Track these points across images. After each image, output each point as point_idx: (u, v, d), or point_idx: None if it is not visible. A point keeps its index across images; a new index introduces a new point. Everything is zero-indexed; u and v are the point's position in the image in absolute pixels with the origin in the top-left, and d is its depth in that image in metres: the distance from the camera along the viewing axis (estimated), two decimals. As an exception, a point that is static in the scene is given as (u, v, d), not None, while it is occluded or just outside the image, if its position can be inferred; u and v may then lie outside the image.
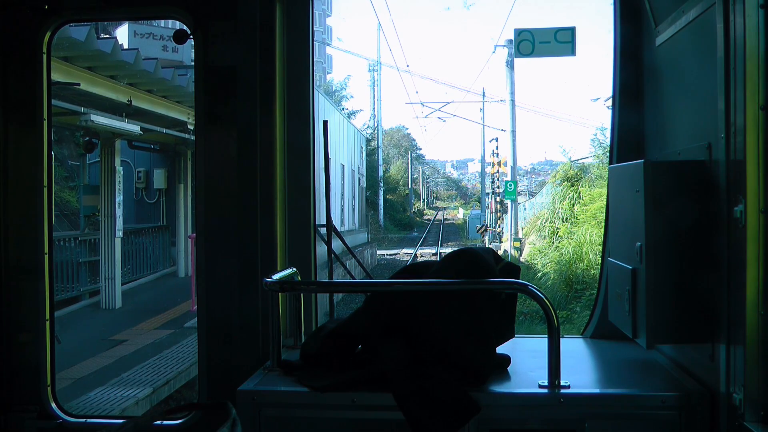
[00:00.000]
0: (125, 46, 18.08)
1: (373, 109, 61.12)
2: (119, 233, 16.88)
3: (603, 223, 4.88)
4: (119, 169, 17.00)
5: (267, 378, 3.26)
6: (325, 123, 4.43)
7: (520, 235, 32.22)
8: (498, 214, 40.57)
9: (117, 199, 16.70)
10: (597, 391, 3.13)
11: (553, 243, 24.92)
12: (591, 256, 20.36)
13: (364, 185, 47.25)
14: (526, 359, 3.43)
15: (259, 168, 3.70)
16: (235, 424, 2.33)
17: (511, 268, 3.41)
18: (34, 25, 3.74)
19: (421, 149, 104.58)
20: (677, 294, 2.96)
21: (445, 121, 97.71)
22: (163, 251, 21.63)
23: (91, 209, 17.47)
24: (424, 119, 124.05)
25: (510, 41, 29.55)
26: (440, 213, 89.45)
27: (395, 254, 40.51)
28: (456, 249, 3.53)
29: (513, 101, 31.47)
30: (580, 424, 2.93)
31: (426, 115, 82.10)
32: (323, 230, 4.12)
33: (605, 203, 4.14)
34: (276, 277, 3.40)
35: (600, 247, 11.80)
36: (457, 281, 3.19)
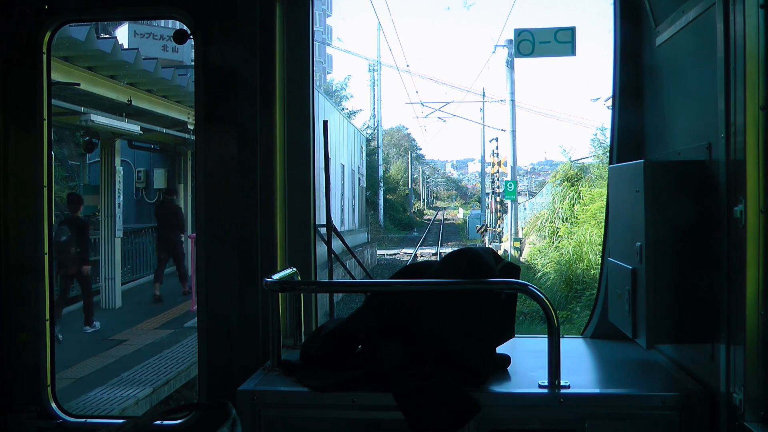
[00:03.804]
0: (125, 46, 18.07)
1: (373, 109, 61.11)
2: (119, 233, 16.87)
3: (603, 223, 4.88)
4: (119, 169, 17.00)
5: (267, 378, 3.26)
6: (325, 123, 4.43)
7: (520, 235, 32.22)
8: (498, 214, 40.56)
9: (117, 199, 16.70)
10: (597, 391, 3.13)
11: (553, 243, 24.93)
12: (591, 256, 20.36)
13: (364, 185, 47.24)
14: (526, 359, 3.43)
15: (259, 168, 3.70)
16: (235, 424, 2.34)
17: (511, 268, 3.42)
18: (34, 25, 3.74)
19: (421, 149, 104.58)
20: (677, 294, 2.96)
21: (445, 121, 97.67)
22: (163, 251, 21.58)
23: (91, 209, 17.47)
24: (424, 119, 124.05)
25: (510, 41, 29.55)
26: (440, 213, 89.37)
27: (395, 254, 40.50)
28: (456, 249, 3.53)
29: (513, 101, 31.47)
30: (580, 424, 2.93)
31: (426, 115, 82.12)
32: (323, 230, 4.12)
33: (605, 203, 4.14)
34: (276, 277, 3.40)
35: (600, 247, 11.80)
36: (457, 281, 3.19)
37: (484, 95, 52.02)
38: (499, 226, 39.69)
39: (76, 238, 13.61)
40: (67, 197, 15.36)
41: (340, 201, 34.76)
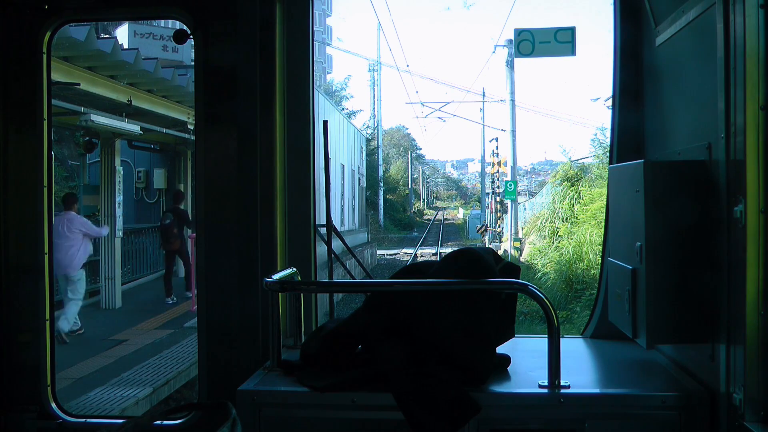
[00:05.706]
0: (125, 46, 18.07)
1: (373, 109, 61.12)
2: (119, 233, 16.88)
3: (603, 223, 4.88)
4: (119, 169, 17.00)
5: (267, 378, 3.26)
6: (325, 123, 4.42)
7: (520, 235, 32.21)
8: (498, 214, 40.55)
9: (117, 199, 16.69)
10: (597, 391, 3.13)
11: (553, 243, 24.92)
12: (591, 256, 20.36)
13: (364, 185, 47.23)
14: (526, 359, 3.43)
15: (259, 168, 3.70)
16: (235, 424, 2.33)
17: (511, 268, 3.42)
18: (34, 25, 3.74)
19: (421, 149, 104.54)
20: (677, 294, 2.96)
21: (445, 121, 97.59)
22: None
23: (91, 209, 17.47)
24: (424, 119, 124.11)
25: (510, 41, 29.55)
26: (440, 213, 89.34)
27: (395, 254, 40.49)
28: (456, 249, 3.53)
29: (513, 101, 31.47)
30: (580, 424, 2.93)
31: (426, 115, 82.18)
32: (323, 230, 4.12)
33: (605, 203, 4.14)
34: (276, 277, 3.40)
35: (600, 247, 11.80)
36: (457, 281, 3.19)
37: (484, 95, 51.96)
38: (499, 226, 39.68)
39: (177, 223, 16.91)
40: (173, 193, 18.79)
41: (340, 201, 34.76)
